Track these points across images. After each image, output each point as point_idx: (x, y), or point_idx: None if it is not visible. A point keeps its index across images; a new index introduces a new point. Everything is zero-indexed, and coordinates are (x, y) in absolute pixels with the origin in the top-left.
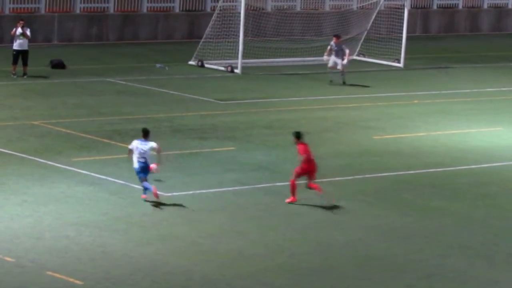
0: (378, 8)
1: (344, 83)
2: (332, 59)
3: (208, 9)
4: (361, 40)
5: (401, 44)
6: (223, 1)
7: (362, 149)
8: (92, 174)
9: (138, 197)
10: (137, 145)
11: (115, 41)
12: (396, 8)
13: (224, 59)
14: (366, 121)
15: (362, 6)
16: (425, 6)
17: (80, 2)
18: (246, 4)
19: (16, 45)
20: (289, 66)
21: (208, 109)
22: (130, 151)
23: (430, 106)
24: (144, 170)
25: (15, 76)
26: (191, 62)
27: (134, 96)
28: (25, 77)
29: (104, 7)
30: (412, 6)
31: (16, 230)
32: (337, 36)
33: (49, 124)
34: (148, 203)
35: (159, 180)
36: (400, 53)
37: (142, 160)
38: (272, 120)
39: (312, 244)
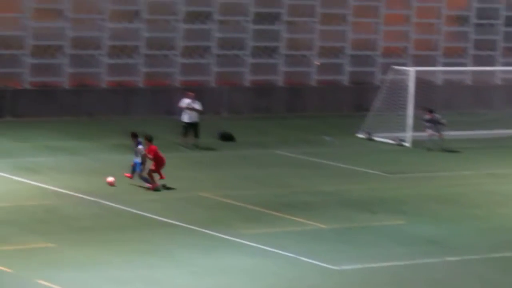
0: None
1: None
2: (429, 131)
3: (377, 82)
4: None
5: None
6: (392, 74)
7: None
8: (260, 246)
9: (305, 270)
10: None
11: (283, 114)
12: None
13: (392, 132)
14: None
15: None
16: None
17: (249, 75)
18: (415, 77)
19: (186, 118)
20: (459, 140)
21: (376, 182)
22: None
23: None
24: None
25: (185, 149)
26: (359, 135)
27: (302, 169)
28: (195, 149)
29: (272, 80)
30: None
31: None
32: (430, 111)
33: (218, 196)
34: (312, 276)
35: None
36: None
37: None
38: (442, 194)
39: None
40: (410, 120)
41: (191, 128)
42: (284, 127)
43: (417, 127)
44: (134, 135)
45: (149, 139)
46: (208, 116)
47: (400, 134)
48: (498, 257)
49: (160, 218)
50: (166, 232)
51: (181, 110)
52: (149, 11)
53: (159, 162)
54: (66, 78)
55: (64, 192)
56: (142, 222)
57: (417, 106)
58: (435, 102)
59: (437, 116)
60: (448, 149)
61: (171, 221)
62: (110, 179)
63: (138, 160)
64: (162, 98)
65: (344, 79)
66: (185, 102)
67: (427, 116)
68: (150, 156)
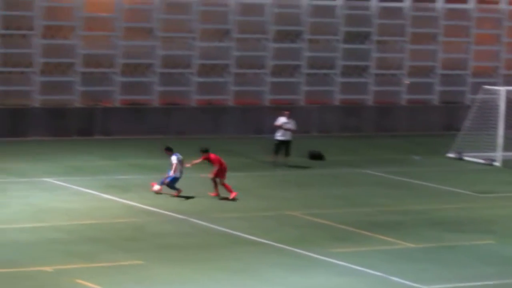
0: None
1: None
2: None
3: (467, 101)
4: None
5: None
6: (483, 94)
7: None
8: (350, 265)
9: None
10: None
11: (372, 133)
12: None
13: (483, 152)
14: None
15: None
16: None
17: (339, 94)
18: (506, 97)
19: (279, 135)
20: None
21: (466, 202)
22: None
23: None
24: None
25: (275, 166)
26: (449, 155)
27: (391, 188)
28: (284, 167)
29: (362, 99)
30: None
31: None
32: None
33: (306, 214)
34: None
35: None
36: None
37: None
38: None
39: None
40: (500, 140)
41: (283, 146)
42: (373, 146)
43: (507, 147)
44: (168, 149)
45: (204, 151)
46: (297, 135)
47: (490, 154)
48: None
49: (249, 237)
50: (254, 251)
51: (274, 128)
52: (239, 30)
53: (220, 168)
54: (155, 96)
55: (153, 210)
56: (231, 240)
57: (508, 125)
58: None
59: None
60: None
61: (260, 240)
62: (157, 187)
63: (171, 173)
64: (251, 117)
65: (434, 98)
66: (280, 120)
67: None
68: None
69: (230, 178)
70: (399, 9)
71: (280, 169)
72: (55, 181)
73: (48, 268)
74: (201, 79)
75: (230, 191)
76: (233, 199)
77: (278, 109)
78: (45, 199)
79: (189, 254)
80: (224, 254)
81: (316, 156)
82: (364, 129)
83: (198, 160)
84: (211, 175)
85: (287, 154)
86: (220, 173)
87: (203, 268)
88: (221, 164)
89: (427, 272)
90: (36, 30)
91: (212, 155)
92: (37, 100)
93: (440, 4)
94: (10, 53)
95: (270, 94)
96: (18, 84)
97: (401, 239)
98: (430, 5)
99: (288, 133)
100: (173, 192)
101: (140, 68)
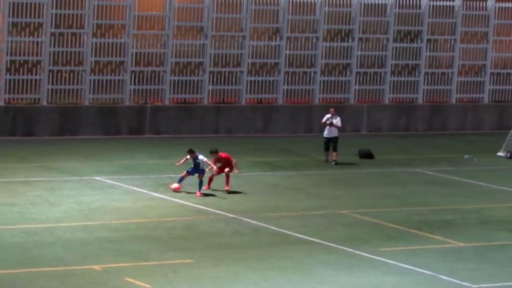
0: None
1: None
2: None
3: None
4: None
5: None
6: None
7: None
8: (400, 264)
9: None
10: None
11: (423, 132)
12: None
13: None
14: None
15: None
16: None
17: (389, 93)
18: None
19: (325, 133)
20: None
21: None
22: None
23: None
24: None
25: (329, 162)
26: (499, 154)
27: (442, 187)
28: (333, 164)
29: (413, 98)
30: None
31: None
32: None
33: (356, 213)
34: None
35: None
36: None
37: None
38: None
39: None
40: None
41: (330, 143)
42: (424, 145)
43: None
44: (191, 151)
45: (214, 152)
46: (347, 134)
47: None
48: None
49: (299, 235)
50: (305, 249)
51: (322, 127)
52: (290, 29)
53: (223, 165)
54: (206, 95)
55: (203, 208)
56: (281, 239)
57: None
58: None
59: None
60: None
61: (310, 238)
62: (175, 185)
63: (205, 168)
64: (301, 116)
65: (485, 97)
66: (325, 118)
67: None
68: (211, 162)
69: (281, 177)
70: (450, 8)
71: (329, 167)
72: (105, 180)
73: (97, 267)
74: (251, 78)
75: (226, 182)
76: (227, 191)
77: (329, 108)
78: (95, 198)
79: (239, 252)
80: (274, 253)
81: (366, 155)
82: (415, 128)
83: (212, 163)
84: (215, 173)
85: (334, 149)
86: (226, 167)
87: (254, 266)
88: (229, 159)
89: (477, 271)
90: (87, 29)
91: (223, 154)
92: (87, 98)
93: (491, 3)
94: (61, 52)
95: (320, 93)
96: (69, 82)
97: (451, 238)
98: (481, 3)
99: (334, 130)
100: (197, 192)
101: (190, 67)
